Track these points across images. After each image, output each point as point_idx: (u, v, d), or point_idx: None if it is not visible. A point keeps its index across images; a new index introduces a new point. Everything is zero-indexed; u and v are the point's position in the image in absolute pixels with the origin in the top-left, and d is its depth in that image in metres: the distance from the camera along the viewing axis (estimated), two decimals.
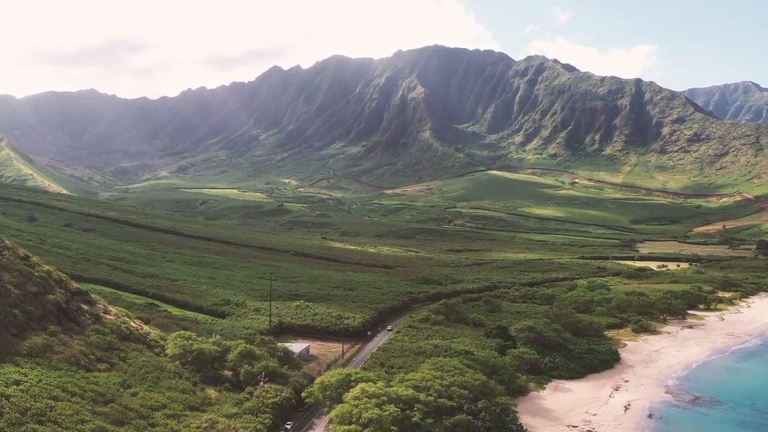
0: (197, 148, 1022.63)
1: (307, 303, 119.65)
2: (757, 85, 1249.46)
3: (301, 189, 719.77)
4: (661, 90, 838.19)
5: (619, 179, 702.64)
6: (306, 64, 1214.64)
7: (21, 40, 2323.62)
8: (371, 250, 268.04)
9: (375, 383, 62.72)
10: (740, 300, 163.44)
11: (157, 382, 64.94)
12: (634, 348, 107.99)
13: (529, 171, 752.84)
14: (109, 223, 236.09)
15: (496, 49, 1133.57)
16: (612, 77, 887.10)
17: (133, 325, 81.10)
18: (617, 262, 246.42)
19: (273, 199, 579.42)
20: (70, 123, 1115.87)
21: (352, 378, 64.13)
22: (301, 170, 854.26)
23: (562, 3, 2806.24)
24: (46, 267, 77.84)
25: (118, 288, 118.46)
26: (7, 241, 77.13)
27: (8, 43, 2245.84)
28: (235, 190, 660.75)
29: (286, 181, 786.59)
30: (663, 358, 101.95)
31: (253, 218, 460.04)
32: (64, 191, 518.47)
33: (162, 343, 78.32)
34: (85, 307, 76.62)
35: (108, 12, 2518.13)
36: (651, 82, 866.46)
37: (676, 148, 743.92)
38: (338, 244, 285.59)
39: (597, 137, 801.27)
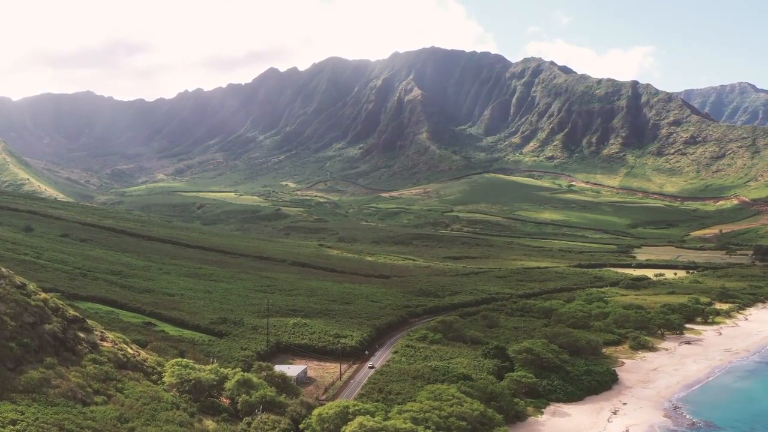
0: (194, 150, 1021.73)
1: (304, 321, 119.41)
2: (753, 86, 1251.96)
3: (299, 192, 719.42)
4: (657, 92, 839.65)
5: (616, 182, 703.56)
6: (304, 65, 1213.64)
7: (18, 42, 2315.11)
8: (369, 258, 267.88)
9: (373, 416, 62.58)
10: (737, 312, 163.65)
11: (154, 414, 64.63)
12: (633, 366, 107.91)
13: (526, 173, 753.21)
14: (106, 233, 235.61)
15: (496, 51, 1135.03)
16: (609, 79, 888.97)
17: (130, 351, 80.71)
18: (614, 270, 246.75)
19: (270, 203, 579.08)
20: (67, 125, 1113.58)
21: (350, 410, 63.97)
22: (299, 172, 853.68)
23: (563, 6, 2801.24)
24: (43, 295, 77.35)
25: (115, 306, 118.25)
26: (3, 269, 76.70)
27: (6, 45, 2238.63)
28: (232, 194, 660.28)
29: (284, 183, 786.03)
30: (661, 378, 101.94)
31: (250, 223, 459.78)
32: (61, 195, 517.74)
33: (159, 369, 78.04)
34: (81, 335, 76.17)
35: (107, 14, 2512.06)
36: (648, 84, 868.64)
37: (673, 151, 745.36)
38: (335, 251, 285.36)
39: (594, 139, 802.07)
